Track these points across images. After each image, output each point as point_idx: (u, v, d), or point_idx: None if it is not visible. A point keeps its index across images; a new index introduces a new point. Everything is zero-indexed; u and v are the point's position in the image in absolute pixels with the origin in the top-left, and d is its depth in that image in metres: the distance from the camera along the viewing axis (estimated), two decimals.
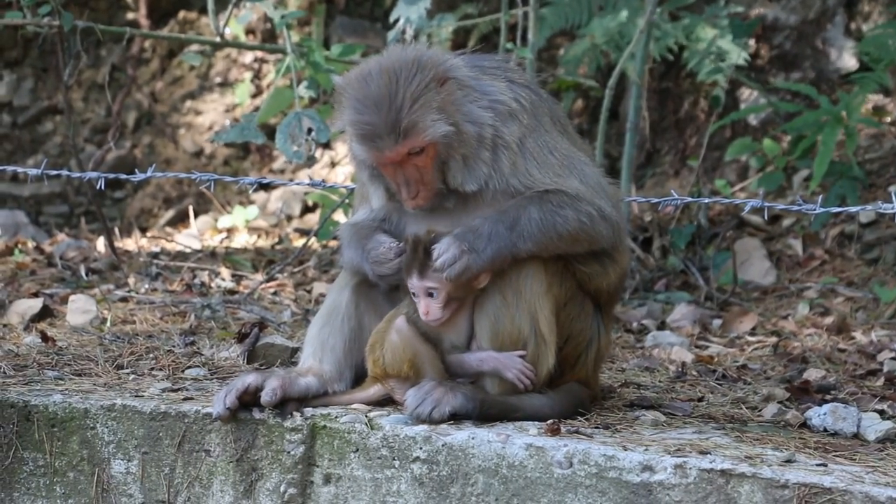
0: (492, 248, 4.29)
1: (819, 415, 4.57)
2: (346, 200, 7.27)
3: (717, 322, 6.85)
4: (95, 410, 4.59)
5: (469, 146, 4.36)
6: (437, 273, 4.31)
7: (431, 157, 4.35)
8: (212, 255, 8.43)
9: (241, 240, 9.55)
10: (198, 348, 5.51)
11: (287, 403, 4.44)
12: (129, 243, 8.95)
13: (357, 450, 4.33)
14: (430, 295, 4.35)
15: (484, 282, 4.37)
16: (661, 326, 6.75)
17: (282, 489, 4.42)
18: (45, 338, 5.59)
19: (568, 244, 4.38)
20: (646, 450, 4.10)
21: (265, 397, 4.40)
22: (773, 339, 6.43)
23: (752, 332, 6.67)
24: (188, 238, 9.28)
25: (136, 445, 4.56)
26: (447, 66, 4.37)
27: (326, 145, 10.21)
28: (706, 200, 5.67)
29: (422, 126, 4.29)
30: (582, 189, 4.41)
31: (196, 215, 10.11)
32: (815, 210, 4.98)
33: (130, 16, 11.27)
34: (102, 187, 6.27)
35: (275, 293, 7.09)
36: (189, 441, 4.51)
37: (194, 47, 10.74)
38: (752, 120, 8.84)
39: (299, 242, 8.94)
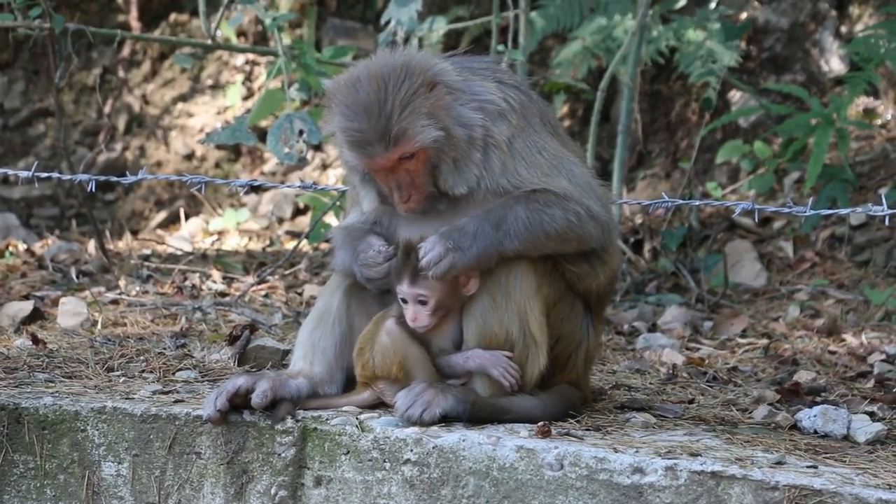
0: (477, 247, 4.28)
1: (809, 417, 4.57)
2: (338, 203, 7.26)
3: (707, 324, 6.86)
4: (86, 413, 4.58)
5: (459, 149, 4.36)
6: (426, 280, 4.30)
7: (422, 161, 4.34)
8: (203, 257, 8.42)
9: (232, 242, 9.53)
10: (188, 351, 5.50)
11: (278, 406, 4.43)
12: (120, 246, 8.94)
13: (348, 452, 4.32)
14: (421, 302, 4.34)
15: (473, 288, 4.35)
16: (652, 328, 6.75)
17: (272, 491, 4.42)
18: (35, 340, 5.58)
19: (556, 243, 4.37)
20: (636, 452, 4.10)
21: (256, 399, 4.39)
22: (764, 342, 6.43)
23: (743, 335, 6.67)
24: (179, 240, 9.27)
25: (126, 448, 4.55)
26: (435, 70, 4.36)
27: (318, 147, 10.20)
28: (697, 203, 5.66)
29: (412, 132, 4.29)
30: (570, 188, 4.40)
31: (187, 218, 10.10)
32: (805, 212, 4.98)
33: (121, 18, 11.25)
34: (93, 190, 6.26)
35: (266, 295, 7.08)
36: (180, 443, 4.50)
37: (186, 50, 10.73)
38: (743, 122, 8.85)
39: (290, 245, 8.93)
